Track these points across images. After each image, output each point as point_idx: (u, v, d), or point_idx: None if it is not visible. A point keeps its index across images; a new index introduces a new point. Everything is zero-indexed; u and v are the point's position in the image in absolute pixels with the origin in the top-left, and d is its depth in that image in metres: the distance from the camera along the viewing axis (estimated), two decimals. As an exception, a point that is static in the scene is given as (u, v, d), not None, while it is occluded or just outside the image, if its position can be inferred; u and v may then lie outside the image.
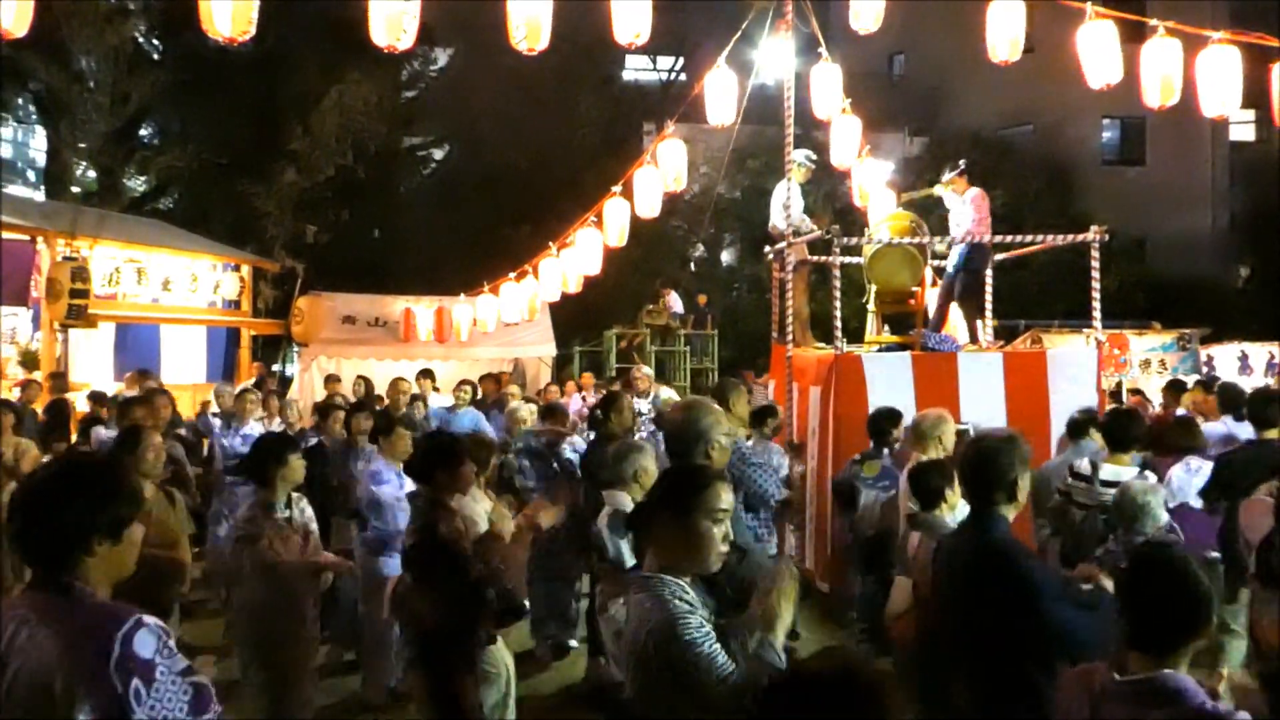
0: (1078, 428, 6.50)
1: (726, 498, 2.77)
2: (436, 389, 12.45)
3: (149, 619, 2.23)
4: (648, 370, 11.83)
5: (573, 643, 7.36)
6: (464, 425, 9.30)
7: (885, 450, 6.68)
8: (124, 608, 2.26)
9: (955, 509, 4.64)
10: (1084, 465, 5.68)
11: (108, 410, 9.79)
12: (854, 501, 6.62)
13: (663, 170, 10.33)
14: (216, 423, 9.46)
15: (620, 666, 4.65)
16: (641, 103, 26.62)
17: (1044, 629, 3.20)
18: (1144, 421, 6.19)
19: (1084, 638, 3.16)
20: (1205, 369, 16.11)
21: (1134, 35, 7.71)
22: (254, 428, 8.66)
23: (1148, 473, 5.50)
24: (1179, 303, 20.86)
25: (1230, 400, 9.66)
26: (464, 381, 11.40)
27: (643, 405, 10.25)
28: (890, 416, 6.82)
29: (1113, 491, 5.04)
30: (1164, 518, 4.78)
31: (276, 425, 9.55)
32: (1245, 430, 8.11)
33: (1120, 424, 5.79)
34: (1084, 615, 3.25)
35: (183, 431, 9.35)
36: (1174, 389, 10.71)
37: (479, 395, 11.49)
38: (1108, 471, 5.46)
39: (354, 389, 11.79)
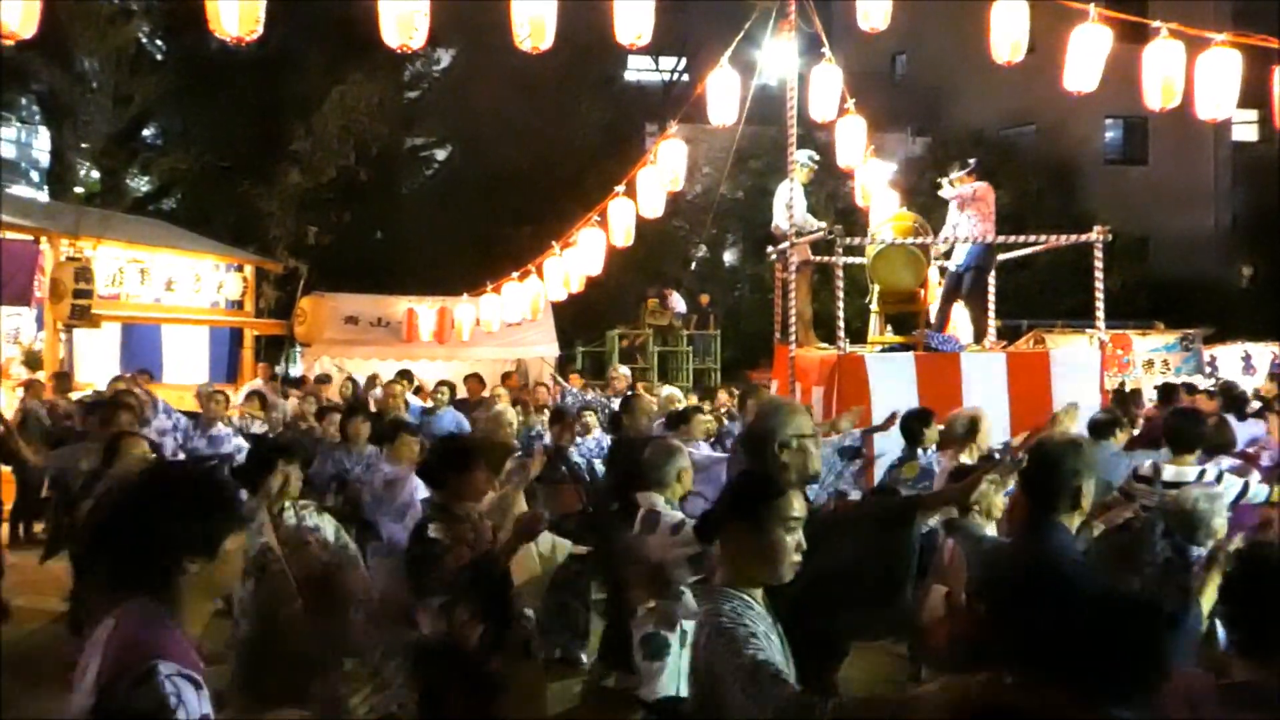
0: (1103, 429, 6.34)
1: (799, 505, 2.67)
2: (419, 390, 12.31)
3: (166, 669, 1.98)
4: (625, 370, 11.79)
5: (584, 656, 6.96)
6: (444, 426, 9.09)
7: (919, 450, 6.66)
8: (151, 651, 2.02)
9: (993, 516, 4.55)
10: (1146, 466, 5.58)
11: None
12: None
13: (665, 170, 10.34)
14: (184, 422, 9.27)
15: (648, 675, 4.66)
16: (644, 103, 26.63)
17: (1103, 643, 3.04)
18: (1206, 422, 6.01)
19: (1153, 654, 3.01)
20: (1208, 369, 16.12)
21: (1136, 36, 7.72)
22: (222, 430, 8.60)
23: (1210, 476, 5.37)
24: (1182, 303, 20.84)
25: (1232, 400, 9.69)
26: (442, 382, 11.33)
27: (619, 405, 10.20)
28: (921, 417, 6.75)
29: (1174, 493, 4.93)
30: (1221, 526, 4.57)
31: (258, 427, 9.48)
32: (1250, 429, 8.15)
33: (1183, 425, 5.60)
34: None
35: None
36: (1166, 391, 10.79)
37: (455, 395, 11.39)
38: (1170, 473, 5.35)
39: (341, 391, 11.64)
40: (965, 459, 5.76)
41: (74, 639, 5.62)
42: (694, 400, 11.22)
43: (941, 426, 6.45)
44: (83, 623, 5.53)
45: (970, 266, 9.28)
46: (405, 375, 12.03)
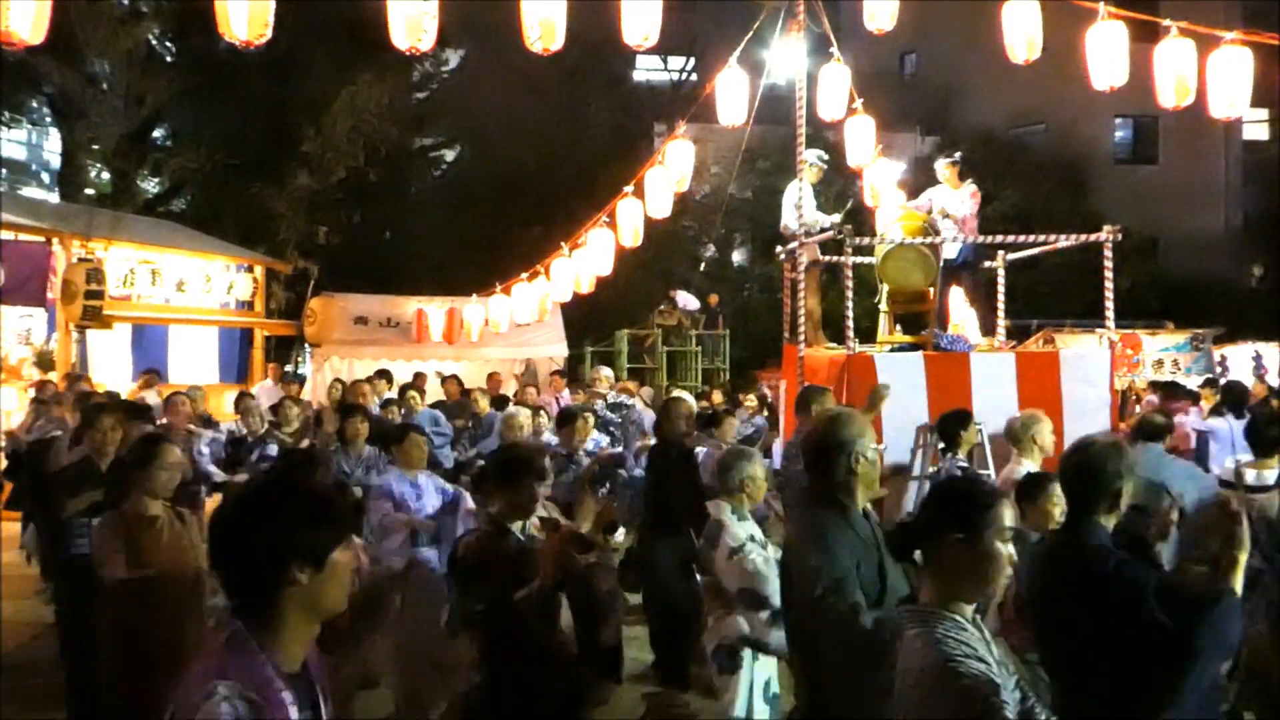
0: (1156, 432, 6.22)
1: (1010, 515, 2.54)
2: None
3: (225, 690, 1.94)
4: (607, 371, 11.77)
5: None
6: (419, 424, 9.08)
7: (953, 454, 6.65)
8: (218, 670, 1.99)
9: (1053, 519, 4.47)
10: (1229, 471, 5.53)
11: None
12: None
13: (673, 170, 10.34)
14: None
15: (722, 688, 4.62)
16: (652, 103, 26.63)
17: (1152, 634, 2.99)
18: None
19: (1201, 642, 2.94)
20: (1218, 369, 16.07)
21: (1147, 35, 7.70)
22: (205, 434, 8.62)
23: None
24: (1192, 303, 20.78)
25: (1234, 398, 9.68)
26: (418, 378, 11.35)
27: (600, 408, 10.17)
28: (959, 419, 6.73)
29: (1260, 499, 4.88)
30: None
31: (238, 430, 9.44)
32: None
33: (1263, 427, 5.64)
34: (1199, 618, 3.00)
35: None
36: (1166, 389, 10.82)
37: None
38: (1251, 476, 5.32)
39: (329, 392, 11.52)
40: (1028, 462, 5.72)
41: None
42: (718, 400, 11.27)
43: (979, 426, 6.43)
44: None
45: (967, 260, 9.36)
46: (384, 375, 12.01)
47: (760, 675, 4.63)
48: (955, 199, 9.56)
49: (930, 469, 7.26)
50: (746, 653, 4.59)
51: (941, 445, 6.74)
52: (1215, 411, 10.16)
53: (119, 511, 4.46)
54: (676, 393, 11.50)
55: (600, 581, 4.17)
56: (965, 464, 6.66)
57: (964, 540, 2.44)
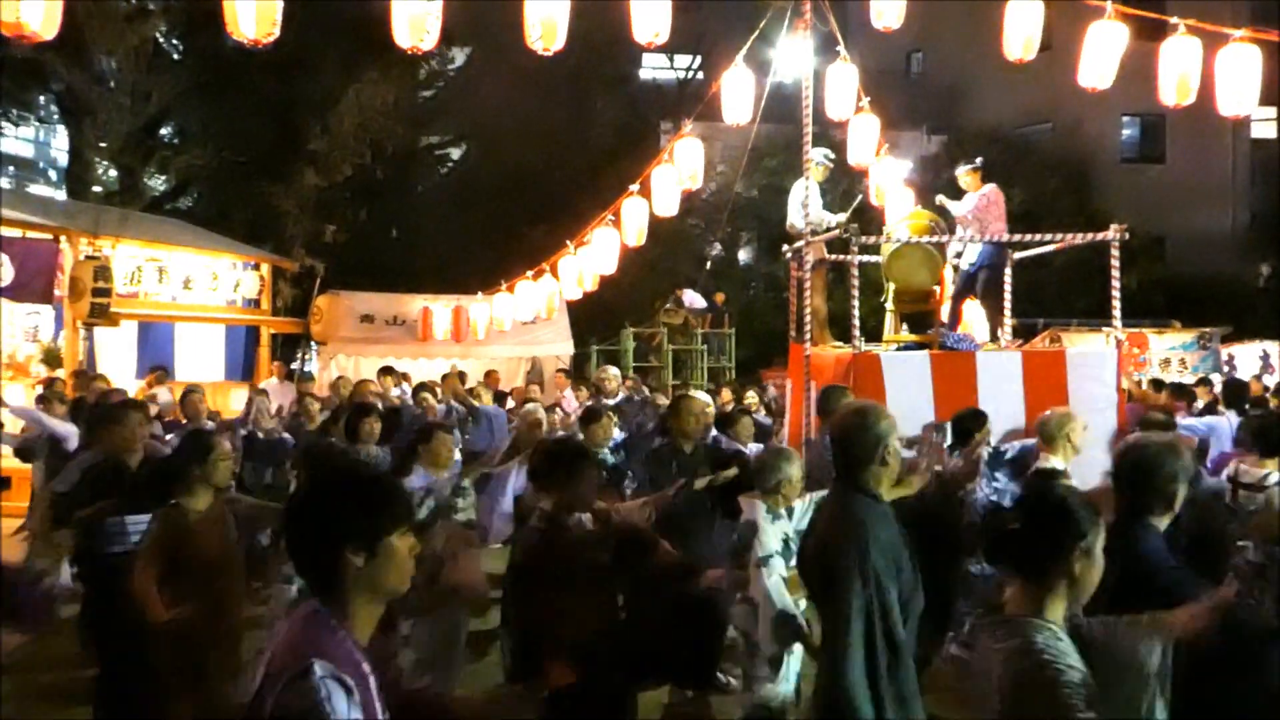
0: (1159, 429, 6.16)
1: (1099, 523, 2.53)
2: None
3: (321, 670, 2.01)
4: (614, 370, 11.72)
5: None
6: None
7: (956, 452, 6.64)
8: (310, 650, 2.06)
9: None
10: (1246, 473, 5.52)
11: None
12: None
13: (680, 169, 10.35)
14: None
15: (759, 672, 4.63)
16: (658, 102, 26.63)
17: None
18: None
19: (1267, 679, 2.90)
20: (1226, 368, 16.04)
21: (1154, 33, 7.69)
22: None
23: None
24: (1199, 301, 20.74)
25: (1234, 395, 9.68)
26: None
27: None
28: (975, 417, 6.72)
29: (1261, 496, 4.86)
30: None
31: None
32: None
33: (1269, 429, 5.59)
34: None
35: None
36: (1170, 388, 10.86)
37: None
38: (1250, 476, 5.29)
39: (334, 388, 11.49)
40: (1057, 459, 5.72)
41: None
42: (726, 398, 11.24)
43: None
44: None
45: (983, 265, 9.28)
46: (388, 372, 11.98)
47: (795, 665, 4.73)
48: (968, 201, 9.53)
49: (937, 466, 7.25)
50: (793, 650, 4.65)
51: (948, 443, 6.73)
52: (1209, 410, 10.19)
53: (170, 513, 4.50)
54: (692, 392, 11.46)
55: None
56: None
57: (1059, 551, 2.43)
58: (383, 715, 2.14)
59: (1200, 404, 10.85)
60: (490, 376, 13.22)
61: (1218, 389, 12.58)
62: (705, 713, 5.96)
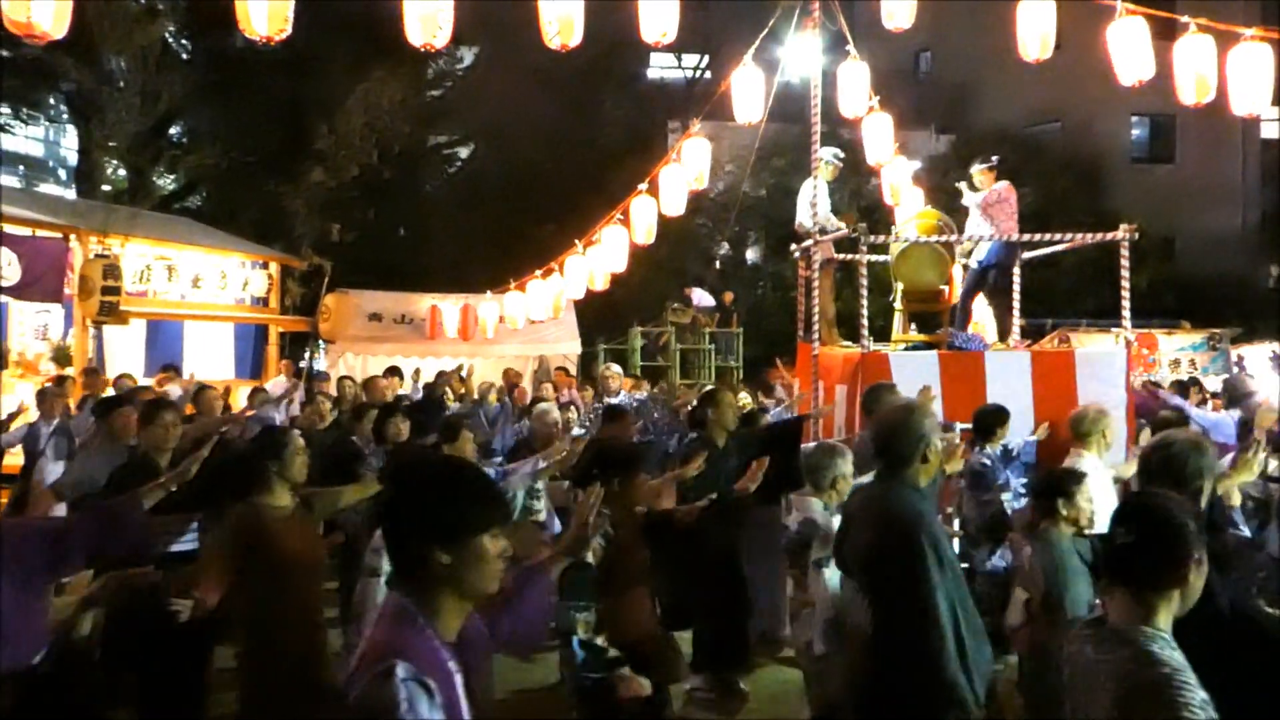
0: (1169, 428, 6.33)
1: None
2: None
3: (403, 672, 2.01)
4: (617, 368, 11.69)
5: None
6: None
7: (981, 447, 6.65)
8: (402, 647, 2.07)
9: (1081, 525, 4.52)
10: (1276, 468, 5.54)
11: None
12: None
13: (688, 168, 10.33)
14: None
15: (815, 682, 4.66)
16: (666, 101, 26.62)
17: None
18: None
19: None
20: (1236, 368, 15.98)
21: (1165, 32, 7.66)
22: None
23: None
24: (1209, 302, 20.67)
25: (1237, 395, 9.65)
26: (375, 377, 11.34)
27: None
28: (997, 414, 6.74)
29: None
30: None
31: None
32: None
33: None
34: None
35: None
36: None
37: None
38: (1272, 467, 5.31)
39: (339, 387, 11.36)
40: (1091, 455, 5.77)
41: None
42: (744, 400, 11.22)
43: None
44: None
45: (992, 264, 9.25)
46: (394, 372, 11.92)
47: None
48: (977, 198, 9.50)
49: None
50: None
51: (957, 441, 6.72)
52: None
53: (246, 511, 4.44)
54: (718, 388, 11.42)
55: None
56: (989, 460, 6.65)
57: (1175, 559, 2.42)
58: (468, 713, 2.14)
59: (1191, 404, 10.81)
60: (508, 375, 13.15)
61: (1214, 389, 12.57)
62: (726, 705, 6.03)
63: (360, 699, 2.00)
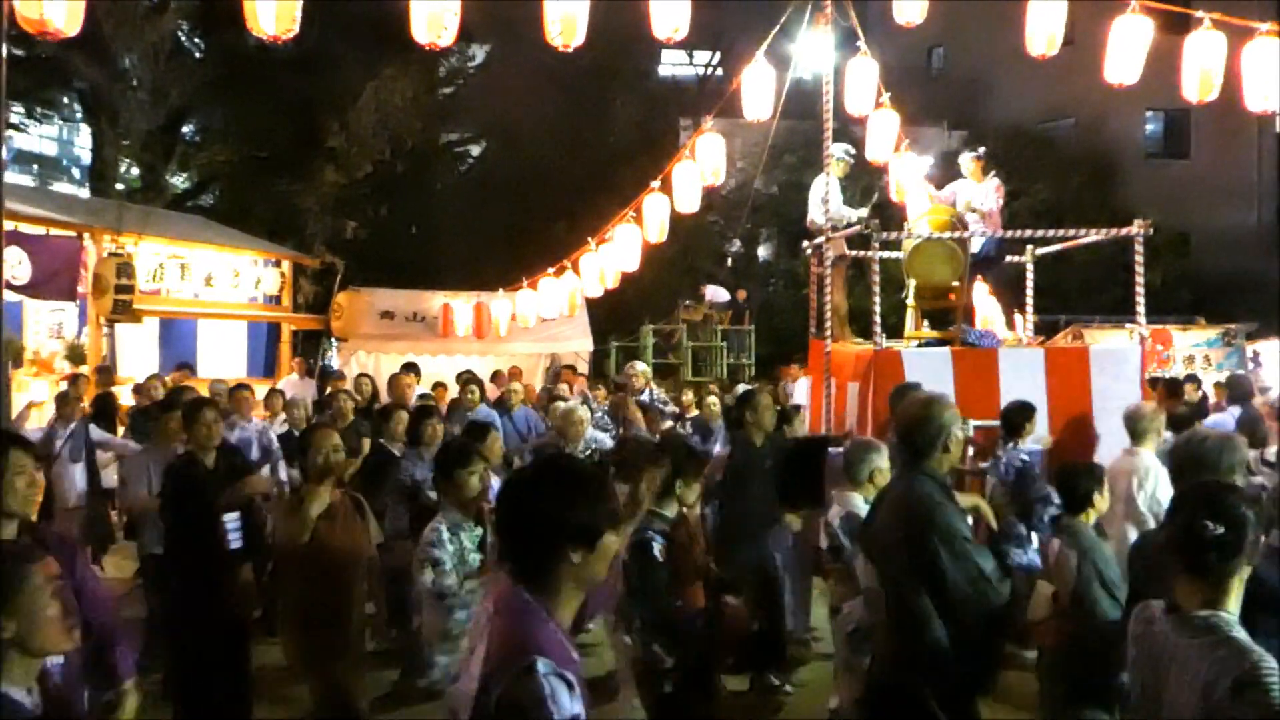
0: (1185, 422, 6.50)
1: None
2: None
3: (544, 667, 2.06)
4: (642, 366, 11.67)
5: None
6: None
7: (1014, 444, 6.65)
8: (539, 643, 2.12)
9: (1100, 514, 4.58)
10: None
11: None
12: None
13: (701, 165, 10.32)
14: None
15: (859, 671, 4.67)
16: (678, 98, 26.60)
17: None
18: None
19: None
20: (1251, 364, 15.89)
21: (1178, 27, 7.62)
22: (251, 428, 8.68)
23: None
24: (1224, 298, 20.56)
25: (1239, 391, 9.60)
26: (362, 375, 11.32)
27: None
28: (1023, 410, 6.73)
29: None
30: None
31: (280, 426, 9.42)
32: None
33: None
34: None
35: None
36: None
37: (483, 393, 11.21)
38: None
39: (357, 385, 11.24)
40: (1146, 451, 5.77)
41: None
42: (689, 401, 11.26)
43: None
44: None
45: (991, 259, 9.34)
46: (412, 369, 11.83)
47: None
48: (980, 193, 9.52)
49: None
50: None
51: (970, 436, 6.71)
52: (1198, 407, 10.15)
53: (299, 497, 4.60)
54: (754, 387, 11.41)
55: None
56: (1028, 456, 6.62)
57: (1236, 549, 2.45)
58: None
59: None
60: (500, 376, 13.05)
61: (1206, 387, 12.50)
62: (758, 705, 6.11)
63: (506, 697, 2.04)
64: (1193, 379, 12.65)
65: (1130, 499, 5.64)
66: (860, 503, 4.83)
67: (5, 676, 2.27)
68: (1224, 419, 9.08)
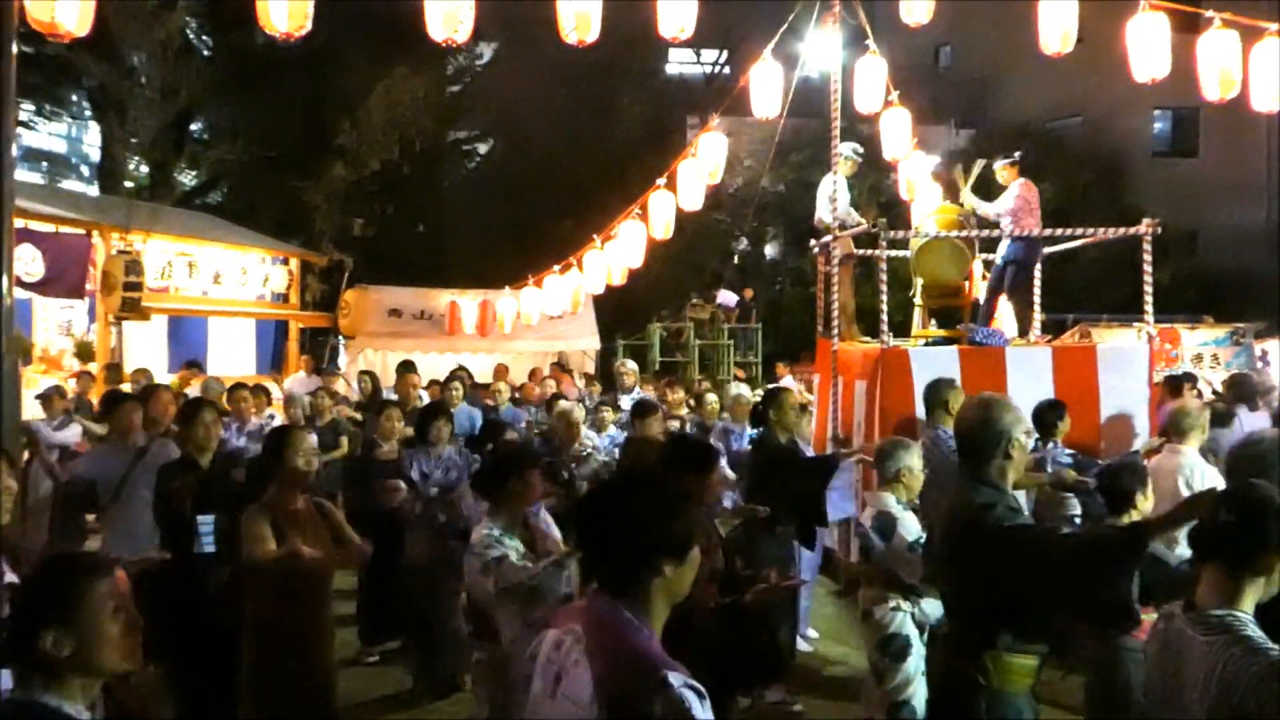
0: (1223, 418, 6.52)
1: None
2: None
3: (676, 680, 2.02)
4: (632, 365, 11.65)
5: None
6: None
7: (1054, 443, 6.60)
8: (660, 657, 2.09)
9: (1144, 515, 4.44)
10: None
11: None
12: None
13: (705, 163, 10.32)
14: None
15: (890, 676, 4.63)
16: (685, 96, 26.58)
17: None
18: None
19: None
20: (1260, 363, 15.84)
21: (1189, 26, 7.60)
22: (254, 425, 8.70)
23: None
24: (1233, 297, 20.49)
25: (1243, 391, 9.57)
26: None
27: (626, 402, 10.10)
28: (1054, 408, 6.70)
29: None
30: None
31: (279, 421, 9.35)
32: (1258, 420, 8.06)
33: None
34: None
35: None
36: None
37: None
38: None
39: (361, 386, 11.29)
40: (1189, 449, 5.76)
41: None
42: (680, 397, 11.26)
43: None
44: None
45: (1012, 260, 9.19)
46: (409, 367, 11.80)
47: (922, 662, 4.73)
48: (1007, 194, 9.42)
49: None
50: (914, 639, 4.68)
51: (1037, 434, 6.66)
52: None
53: (265, 503, 4.44)
54: (739, 387, 11.41)
55: None
56: (1070, 457, 6.59)
57: (1265, 547, 2.46)
58: None
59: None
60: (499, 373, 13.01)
61: (1200, 385, 12.42)
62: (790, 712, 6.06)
63: (643, 715, 2.00)
64: (1190, 377, 12.53)
65: (1177, 497, 5.55)
66: (891, 502, 4.80)
67: (64, 695, 2.18)
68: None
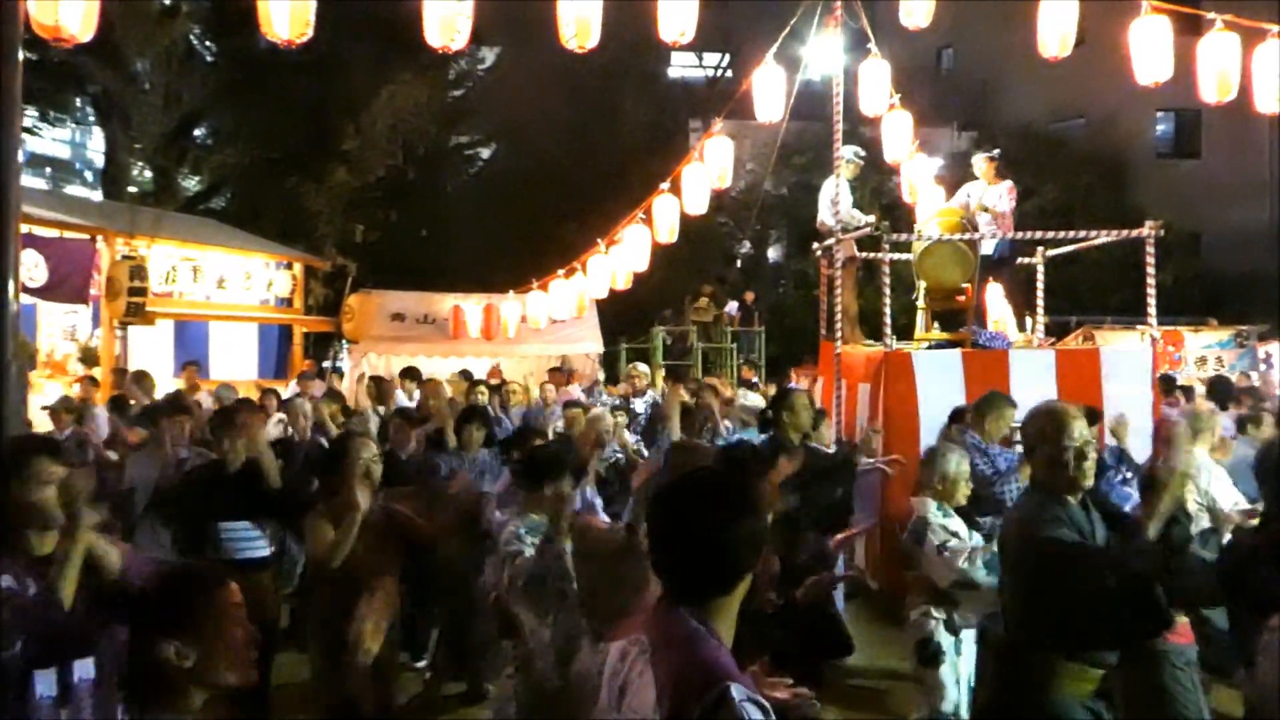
0: (1241, 424, 6.65)
1: None
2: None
3: (738, 693, 1.97)
4: (643, 367, 11.65)
5: None
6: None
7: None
8: (727, 669, 2.03)
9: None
10: None
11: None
12: None
13: (710, 167, 10.33)
14: None
15: (925, 681, 4.64)
16: (688, 100, 26.62)
17: None
18: None
19: None
20: (1263, 366, 15.83)
21: (1190, 28, 7.61)
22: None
23: None
24: (1236, 298, 20.48)
25: (1222, 393, 9.60)
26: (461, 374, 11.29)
27: (639, 405, 10.09)
28: (1090, 414, 6.66)
29: None
30: None
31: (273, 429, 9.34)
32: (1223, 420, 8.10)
33: None
34: None
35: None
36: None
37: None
38: None
39: (367, 390, 11.21)
40: (1203, 449, 5.83)
41: None
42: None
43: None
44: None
45: (1005, 260, 9.33)
46: (411, 373, 11.79)
47: (964, 668, 4.72)
48: (993, 194, 9.51)
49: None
50: (949, 644, 4.70)
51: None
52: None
53: (327, 507, 4.49)
54: (751, 396, 11.41)
55: None
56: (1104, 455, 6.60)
57: None
58: None
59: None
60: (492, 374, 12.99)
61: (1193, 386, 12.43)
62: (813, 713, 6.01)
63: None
64: (1168, 379, 12.48)
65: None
66: (933, 508, 4.81)
67: (180, 710, 2.14)
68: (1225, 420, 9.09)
